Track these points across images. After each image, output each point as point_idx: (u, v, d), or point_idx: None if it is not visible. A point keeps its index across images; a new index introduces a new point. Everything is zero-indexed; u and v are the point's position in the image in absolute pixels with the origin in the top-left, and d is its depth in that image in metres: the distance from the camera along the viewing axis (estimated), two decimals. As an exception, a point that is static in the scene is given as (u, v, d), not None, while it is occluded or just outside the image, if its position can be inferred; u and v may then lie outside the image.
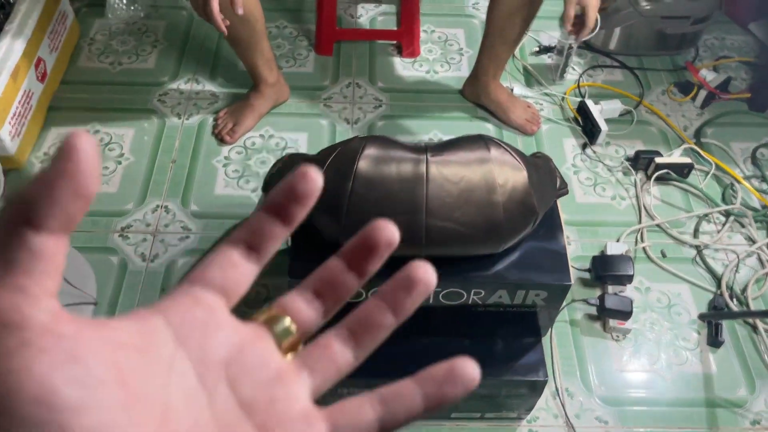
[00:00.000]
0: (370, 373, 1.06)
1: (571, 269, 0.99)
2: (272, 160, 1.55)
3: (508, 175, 0.92)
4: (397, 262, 0.93)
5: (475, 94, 1.65)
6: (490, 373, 1.07)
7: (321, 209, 0.91)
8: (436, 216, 0.90)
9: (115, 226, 1.41)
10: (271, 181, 1.05)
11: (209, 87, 1.70)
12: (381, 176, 0.90)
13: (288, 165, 1.03)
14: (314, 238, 0.97)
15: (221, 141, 1.57)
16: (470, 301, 1.01)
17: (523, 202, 0.92)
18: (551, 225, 1.04)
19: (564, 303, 1.30)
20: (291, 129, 1.62)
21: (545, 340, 1.26)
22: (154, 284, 1.33)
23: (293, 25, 1.87)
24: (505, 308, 1.03)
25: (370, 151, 0.92)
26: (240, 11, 1.15)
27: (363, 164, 0.91)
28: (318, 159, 0.95)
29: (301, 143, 1.59)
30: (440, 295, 0.99)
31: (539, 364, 1.08)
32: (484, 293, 0.99)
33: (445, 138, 1.60)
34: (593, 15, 1.27)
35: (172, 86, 1.69)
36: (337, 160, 0.93)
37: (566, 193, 1.07)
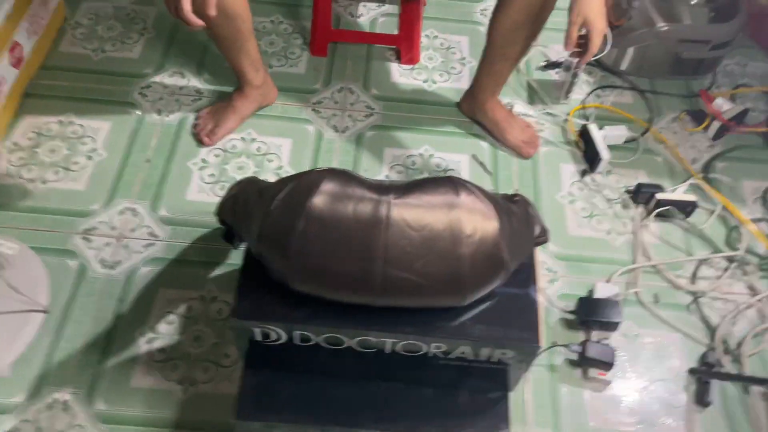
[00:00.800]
0: (324, 418, 0.99)
1: (546, 316, 0.90)
2: (251, 166, 1.47)
3: (477, 224, 0.83)
4: (350, 309, 0.83)
5: (472, 110, 1.55)
6: (450, 428, 0.99)
7: (270, 246, 0.84)
8: (394, 265, 0.81)
9: (78, 227, 1.34)
10: (224, 205, 0.97)
11: (194, 83, 1.62)
12: (336, 216, 0.82)
13: (242, 189, 0.94)
14: (263, 278, 0.89)
15: (200, 142, 1.49)
16: (431, 354, 0.93)
17: (492, 255, 0.84)
18: (526, 276, 0.95)
19: (543, 348, 1.22)
20: (275, 133, 1.53)
21: (518, 386, 1.18)
22: (113, 293, 1.26)
23: (289, 21, 1.78)
24: (470, 363, 0.95)
25: (328, 187, 0.83)
26: (212, 12, 1.07)
27: (318, 201, 0.82)
28: (272, 188, 0.87)
29: (285, 150, 1.50)
30: (398, 346, 0.91)
31: (502, 422, 1.00)
32: (445, 347, 0.91)
33: (437, 155, 1.52)
34: (598, 40, 1.17)
35: (155, 79, 1.61)
36: (290, 193, 0.84)
37: (546, 241, 0.98)
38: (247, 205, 0.90)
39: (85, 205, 1.38)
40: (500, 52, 1.37)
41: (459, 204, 0.83)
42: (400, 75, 1.68)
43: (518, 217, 0.90)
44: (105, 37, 1.68)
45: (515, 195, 0.97)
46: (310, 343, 0.92)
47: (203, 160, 1.47)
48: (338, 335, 0.89)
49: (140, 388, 1.16)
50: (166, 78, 1.62)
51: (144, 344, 1.20)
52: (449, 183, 0.85)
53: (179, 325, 1.23)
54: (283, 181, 0.86)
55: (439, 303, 0.86)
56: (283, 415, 0.98)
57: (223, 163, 1.47)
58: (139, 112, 1.54)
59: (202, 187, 1.43)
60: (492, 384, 1.00)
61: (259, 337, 0.92)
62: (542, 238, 0.96)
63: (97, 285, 1.27)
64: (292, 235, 0.82)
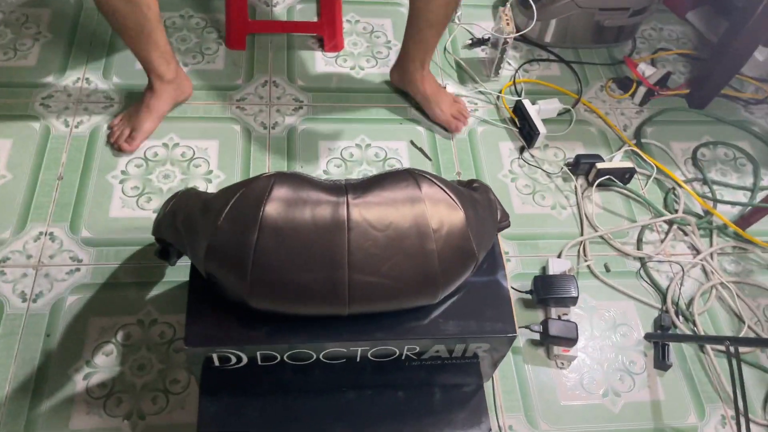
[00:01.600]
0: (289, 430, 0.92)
1: (512, 295, 0.87)
2: (177, 174, 1.36)
3: (442, 216, 0.78)
4: (316, 321, 0.76)
5: (402, 81, 1.51)
6: (428, 427, 0.95)
7: (222, 265, 0.76)
8: (360, 270, 0.76)
9: (-12, 259, 1.20)
10: (162, 223, 0.88)
11: (102, 86, 1.48)
12: (293, 224, 0.75)
13: (181, 204, 0.86)
14: (214, 297, 0.81)
15: (119, 150, 1.37)
16: (404, 357, 0.88)
17: (460, 247, 0.79)
18: (492, 264, 0.91)
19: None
20: (199, 136, 1.43)
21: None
22: (37, 329, 1.14)
23: (200, 15, 1.66)
24: (444, 360, 0.90)
25: (280, 193, 0.76)
26: None
27: (271, 209, 0.75)
28: (216, 200, 0.79)
29: (211, 152, 1.40)
30: (369, 353, 0.86)
31: (481, 415, 0.97)
32: (418, 349, 0.86)
33: (374, 144, 1.47)
34: None
35: (57, 87, 1.47)
36: (239, 204, 0.76)
37: (508, 226, 0.94)
38: (189, 220, 0.82)
39: (-6, 234, 1.24)
40: (423, 17, 1.32)
41: (422, 197, 0.78)
42: (326, 63, 1.61)
43: (482, 204, 0.86)
44: (-6, 44, 1.52)
45: (473, 181, 0.93)
46: (274, 362, 0.85)
47: (123, 172, 1.35)
48: (305, 350, 0.83)
49: (81, 430, 1.05)
50: (69, 85, 1.47)
51: (81, 381, 1.09)
52: (409, 176, 0.80)
53: (118, 354, 1.12)
54: (229, 191, 0.78)
55: (411, 304, 0.81)
56: (250, 441, 0.91)
57: (146, 173, 1.35)
58: (43, 126, 1.40)
59: (125, 201, 1.31)
60: (466, 377, 0.96)
61: (217, 363, 0.84)
62: (504, 223, 0.93)
63: (18, 321, 1.14)
64: (246, 250, 0.74)
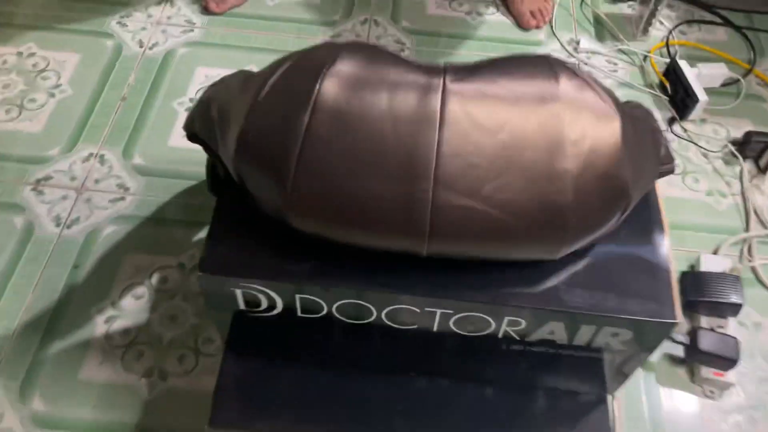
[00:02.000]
0: (336, 425, 0.68)
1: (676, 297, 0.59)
2: (251, 108, 1.17)
3: (586, 125, 0.51)
4: (381, 261, 0.48)
5: None
6: (522, 447, 0.67)
7: (254, 159, 0.53)
8: (451, 186, 0.50)
9: (29, 176, 1.05)
10: (196, 112, 0.67)
11: (185, 12, 1.32)
12: (360, 110, 0.51)
13: (221, 87, 0.64)
14: (250, 215, 0.59)
15: (206, 10, 1.30)
16: (500, 334, 0.61)
17: (608, 176, 0.52)
18: (646, 219, 0.63)
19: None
20: (282, 70, 1.23)
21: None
22: (65, 258, 0.97)
23: (303, -55, 1.48)
24: (558, 350, 0.63)
25: (346, 67, 0.53)
26: None
27: (330, 86, 0.51)
28: (264, 73, 0.56)
29: (293, 89, 1.20)
30: (452, 320, 0.60)
31: (601, 439, 0.68)
32: (525, 324, 0.59)
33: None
34: None
35: (138, 6, 1.32)
36: (288, 76, 0.53)
37: (672, 170, 0.66)
38: (225, 103, 0.60)
39: (41, 150, 1.09)
40: None
41: (559, 94, 0.52)
42: (438, 5, 1.37)
43: (643, 125, 0.59)
44: (81, -42, 1.40)
45: (629, 102, 0.66)
46: (319, 315, 0.61)
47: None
48: (361, 302, 0.58)
49: (92, 381, 0.86)
50: (151, 5, 1.33)
51: (101, 324, 0.91)
52: (544, 63, 0.54)
53: (149, 299, 0.93)
54: (280, 60, 0.56)
55: (522, 253, 0.55)
56: (278, 420, 0.68)
57: (216, 103, 1.17)
58: (116, 44, 1.25)
59: (188, 130, 1.13)
60: (583, 381, 0.69)
61: (242, 305, 0.61)
62: (668, 166, 0.65)
63: (47, 247, 0.98)
64: (290, 138, 0.51)
